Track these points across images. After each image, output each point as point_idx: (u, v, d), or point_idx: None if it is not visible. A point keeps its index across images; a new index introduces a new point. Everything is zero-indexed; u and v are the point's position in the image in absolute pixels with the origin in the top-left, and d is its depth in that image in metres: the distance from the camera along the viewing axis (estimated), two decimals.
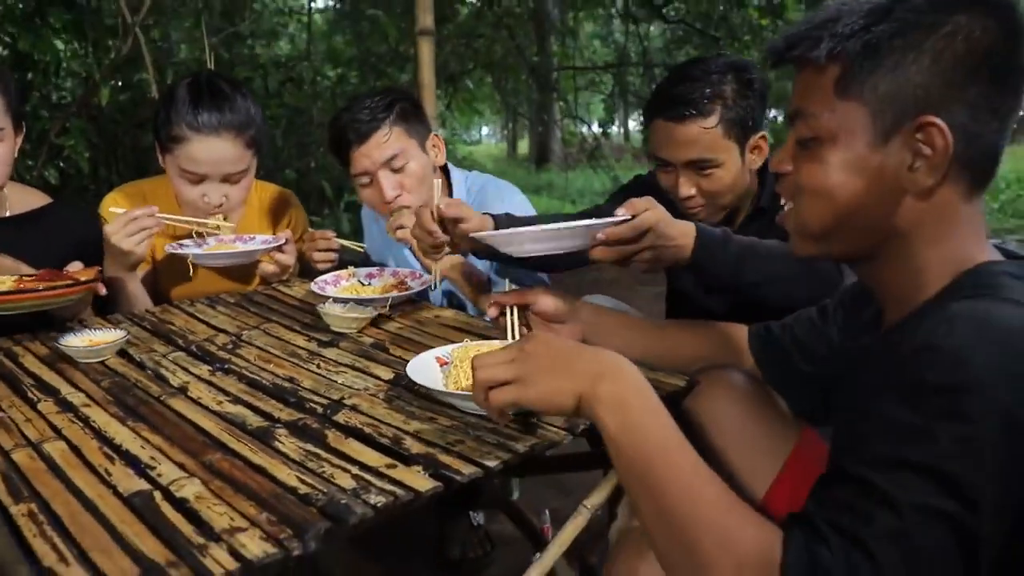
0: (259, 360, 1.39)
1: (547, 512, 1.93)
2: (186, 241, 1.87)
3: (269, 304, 1.80)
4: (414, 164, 1.88)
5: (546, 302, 1.33)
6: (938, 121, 0.81)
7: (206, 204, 1.85)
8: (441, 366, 1.21)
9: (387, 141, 1.84)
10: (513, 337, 1.25)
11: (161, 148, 1.85)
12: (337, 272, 1.90)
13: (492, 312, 1.34)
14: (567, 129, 8.86)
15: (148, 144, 4.19)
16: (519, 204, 2.00)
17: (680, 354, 1.30)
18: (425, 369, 1.19)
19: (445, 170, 2.09)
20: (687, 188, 1.66)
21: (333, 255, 1.97)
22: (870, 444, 0.73)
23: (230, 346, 1.48)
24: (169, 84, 1.94)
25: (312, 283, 1.81)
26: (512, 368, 0.90)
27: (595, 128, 8.48)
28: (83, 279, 1.53)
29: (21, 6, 3.52)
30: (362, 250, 2.19)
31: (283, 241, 1.87)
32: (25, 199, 1.80)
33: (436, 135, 2.01)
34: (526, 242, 1.29)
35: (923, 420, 0.69)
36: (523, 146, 22.46)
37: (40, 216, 1.79)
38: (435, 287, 1.78)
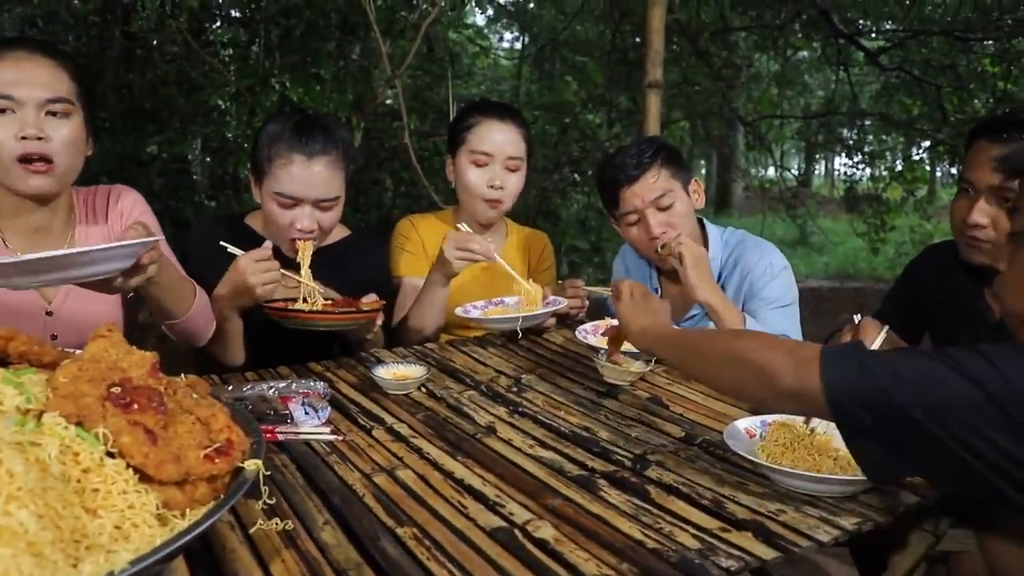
0: (548, 406, 1.49)
1: None
2: (479, 303, 2.07)
3: (534, 349, 1.91)
4: (679, 205, 1.98)
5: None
6: None
7: (490, 190, 2.12)
8: (751, 437, 1.25)
9: (655, 182, 1.96)
10: None
11: (453, 150, 2.18)
12: (595, 322, 1.99)
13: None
14: (761, 176, 8.64)
15: (380, 179, 4.57)
16: (779, 264, 2.00)
17: None
18: (736, 438, 1.23)
19: (701, 223, 2.14)
20: (981, 215, 1.57)
21: (583, 302, 2.11)
22: None
23: (515, 389, 1.59)
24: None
25: (576, 331, 1.91)
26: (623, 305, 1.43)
27: (788, 174, 8.24)
28: (365, 309, 1.76)
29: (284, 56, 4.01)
30: (608, 294, 2.29)
31: (561, 304, 1.99)
32: (336, 231, 2.05)
33: (696, 180, 2.07)
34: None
35: None
36: None
37: (346, 245, 2.05)
38: None
